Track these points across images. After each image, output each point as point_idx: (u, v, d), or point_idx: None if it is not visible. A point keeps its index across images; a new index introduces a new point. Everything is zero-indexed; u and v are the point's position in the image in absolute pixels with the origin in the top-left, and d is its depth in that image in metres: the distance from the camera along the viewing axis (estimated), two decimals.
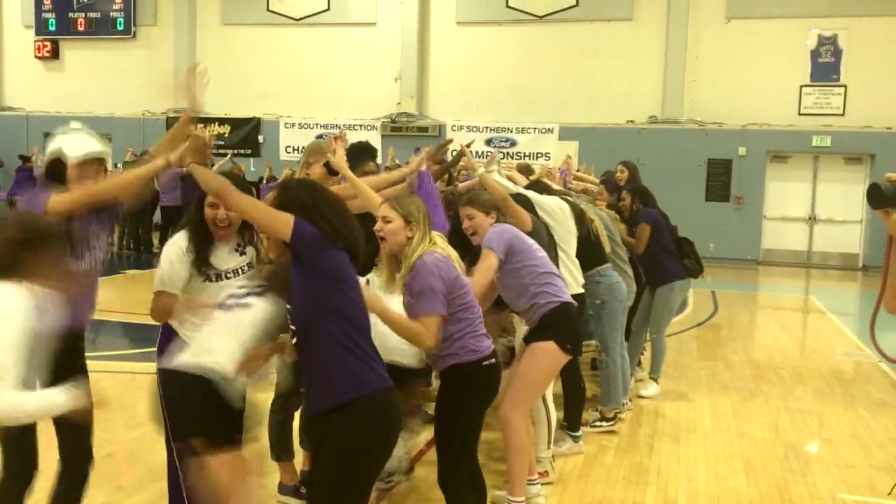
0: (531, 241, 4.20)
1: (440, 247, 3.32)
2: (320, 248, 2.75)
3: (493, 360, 3.43)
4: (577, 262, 5.07)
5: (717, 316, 10.83)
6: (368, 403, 2.75)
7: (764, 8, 16.66)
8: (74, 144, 3.27)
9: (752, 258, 16.99)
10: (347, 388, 2.75)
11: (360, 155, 4.80)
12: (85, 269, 3.20)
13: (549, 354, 4.05)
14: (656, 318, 6.56)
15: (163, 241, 15.44)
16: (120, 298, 10.71)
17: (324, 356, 2.77)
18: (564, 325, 4.08)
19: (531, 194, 4.98)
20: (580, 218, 5.26)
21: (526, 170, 7.52)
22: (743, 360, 8.29)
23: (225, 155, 18.27)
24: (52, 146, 3.30)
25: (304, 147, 17.12)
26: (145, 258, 14.82)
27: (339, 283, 2.78)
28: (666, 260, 6.54)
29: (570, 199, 5.44)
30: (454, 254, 3.39)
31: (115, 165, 16.18)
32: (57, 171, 3.22)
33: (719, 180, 17.16)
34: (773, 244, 17.33)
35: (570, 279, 4.91)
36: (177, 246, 3.30)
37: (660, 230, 6.57)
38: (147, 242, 15.52)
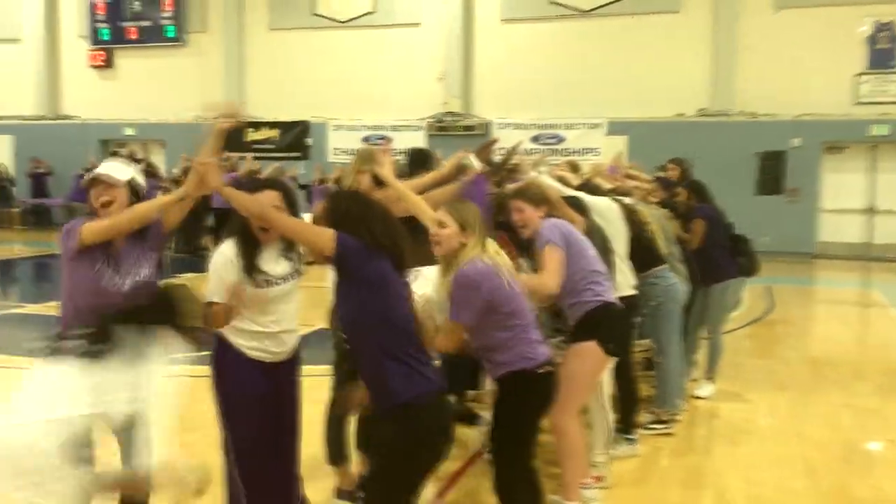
0: (583, 237, 4.19)
1: (489, 254, 3.32)
2: (362, 259, 2.85)
3: (548, 368, 3.43)
4: (629, 263, 5.03)
5: (773, 312, 10.63)
6: (414, 408, 2.84)
7: None
8: (109, 167, 3.34)
9: (808, 251, 16.62)
10: (393, 393, 2.85)
11: (419, 162, 4.83)
12: (131, 289, 3.26)
13: (591, 354, 4.03)
14: (712, 318, 6.47)
15: (216, 243, 15.65)
16: None
17: (371, 363, 2.89)
18: (606, 325, 4.06)
19: (582, 196, 4.95)
20: (632, 219, 5.21)
21: (572, 168, 7.48)
22: (800, 357, 8.13)
23: (275, 160, 18.59)
24: (125, 175, 3.37)
25: (352, 149, 17.34)
26: (198, 261, 15.09)
27: (382, 291, 2.87)
28: (720, 257, 6.44)
29: (621, 198, 5.38)
30: (505, 261, 3.38)
31: (171, 171, 16.64)
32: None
33: (772, 172, 16.80)
34: (830, 237, 16.93)
35: (622, 280, 4.88)
36: (223, 255, 3.36)
37: (715, 227, 6.47)
38: (199, 245, 15.80)
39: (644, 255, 5.33)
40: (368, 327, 2.87)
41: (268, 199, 3.28)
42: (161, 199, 3.30)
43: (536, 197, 4.17)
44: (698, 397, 6.39)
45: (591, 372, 4.09)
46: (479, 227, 3.33)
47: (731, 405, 6.32)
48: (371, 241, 2.87)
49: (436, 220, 3.35)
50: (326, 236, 2.86)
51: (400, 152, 19.38)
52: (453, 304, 3.25)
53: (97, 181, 3.24)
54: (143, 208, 3.22)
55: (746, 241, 6.63)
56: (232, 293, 3.26)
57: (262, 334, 3.41)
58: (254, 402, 3.41)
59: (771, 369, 7.54)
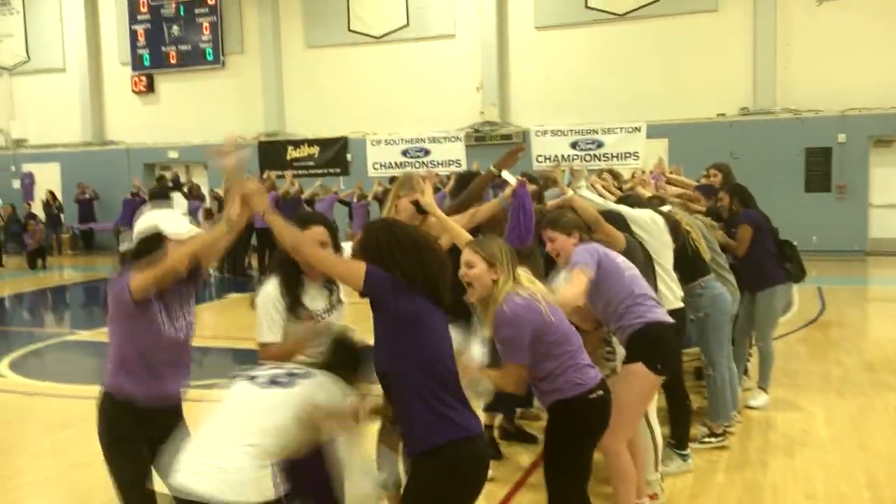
0: (621, 259, 4.11)
1: (524, 285, 3.24)
2: (392, 294, 2.75)
3: (600, 392, 3.35)
4: (674, 275, 4.93)
5: (826, 314, 10.38)
6: (441, 456, 2.72)
7: None
8: (173, 223, 3.27)
9: (860, 249, 16.23)
10: (421, 439, 2.76)
11: (467, 185, 4.80)
12: (182, 336, 3.27)
13: (639, 376, 3.96)
14: (760, 325, 6.32)
15: (260, 263, 15.93)
16: (225, 323, 11.03)
17: (403, 404, 2.80)
18: (653, 345, 3.97)
19: (623, 209, 4.87)
20: (675, 229, 5.11)
21: (614, 176, 7.39)
22: (857, 361, 7.89)
23: (315, 176, 18.78)
24: (147, 222, 3.26)
25: (391, 163, 17.40)
26: (243, 281, 15.27)
27: (412, 329, 2.76)
28: (767, 263, 6.29)
29: (664, 210, 5.29)
30: (541, 288, 3.31)
31: (212, 190, 16.87)
32: (151, 247, 3.17)
33: (819, 169, 16.46)
34: (882, 233, 16.51)
35: (668, 294, 4.79)
36: (268, 295, 3.34)
37: (761, 232, 6.32)
38: (244, 265, 15.97)
39: (688, 265, 5.23)
40: (396, 367, 2.77)
41: (315, 235, 3.26)
42: (207, 236, 3.19)
43: (568, 225, 4.08)
44: (752, 407, 6.24)
45: (639, 394, 4.01)
46: (508, 259, 3.24)
47: (786, 415, 6.15)
48: (403, 275, 2.78)
49: (463, 261, 3.27)
50: (357, 271, 2.78)
51: (438, 164, 19.53)
52: (502, 345, 3.19)
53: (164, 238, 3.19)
54: (191, 249, 3.12)
55: (793, 247, 6.46)
56: (297, 339, 3.27)
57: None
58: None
59: (826, 375, 7.34)
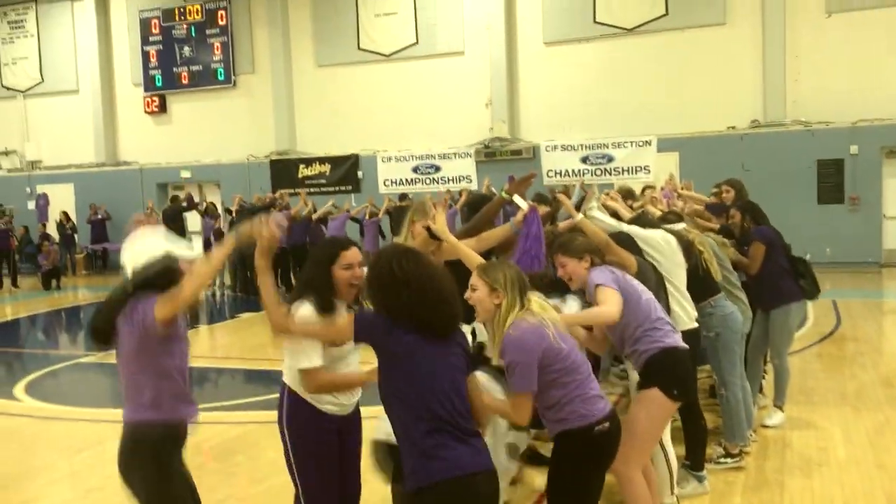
0: (635, 283, 4.09)
1: (533, 311, 3.21)
2: (384, 334, 2.85)
3: (606, 425, 3.30)
4: (687, 295, 4.91)
5: (841, 328, 10.30)
6: (430, 495, 2.75)
7: None
8: (182, 247, 3.33)
9: (874, 260, 16.13)
10: (409, 477, 2.82)
11: (479, 208, 4.81)
12: (188, 359, 3.37)
13: (655, 402, 3.94)
14: (775, 343, 6.27)
15: (275, 282, 15.84)
16: (238, 343, 11.04)
17: (397, 437, 2.91)
18: (669, 370, 3.95)
19: (634, 230, 4.86)
20: (688, 248, 5.09)
21: (627, 193, 7.37)
22: (874, 377, 7.82)
23: (327, 194, 18.86)
24: (156, 249, 3.27)
25: (402, 179, 17.45)
26: (256, 300, 15.30)
27: (403, 366, 2.82)
28: (780, 280, 6.24)
29: (677, 228, 5.27)
30: (552, 315, 3.29)
31: (228, 211, 16.96)
32: (168, 274, 3.21)
33: (831, 181, 16.38)
34: None
35: (682, 314, 4.77)
36: (304, 318, 3.33)
37: (774, 249, 6.28)
38: (255, 284, 15.96)
39: (699, 284, 5.19)
40: (386, 402, 2.87)
41: (356, 257, 3.39)
42: (214, 259, 3.25)
43: (578, 249, 4.05)
44: (768, 426, 6.19)
45: (655, 420, 3.98)
46: (512, 284, 3.21)
47: (803, 433, 6.10)
48: (399, 310, 2.84)
49: (469, 284, 3.29)
50: (346, 328, 2.95)
51: (448, 180, 19.52)
52: (510, 371, 3.15)
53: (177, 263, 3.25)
54: (206, 274, 3.18)
55: (806, 263, 6.42)
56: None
57: None
58: (326, 455, 3.43)
59: (843, 392, 7.28)
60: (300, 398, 3.40)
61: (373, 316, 2.88)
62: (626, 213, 5.62)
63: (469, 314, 3.31)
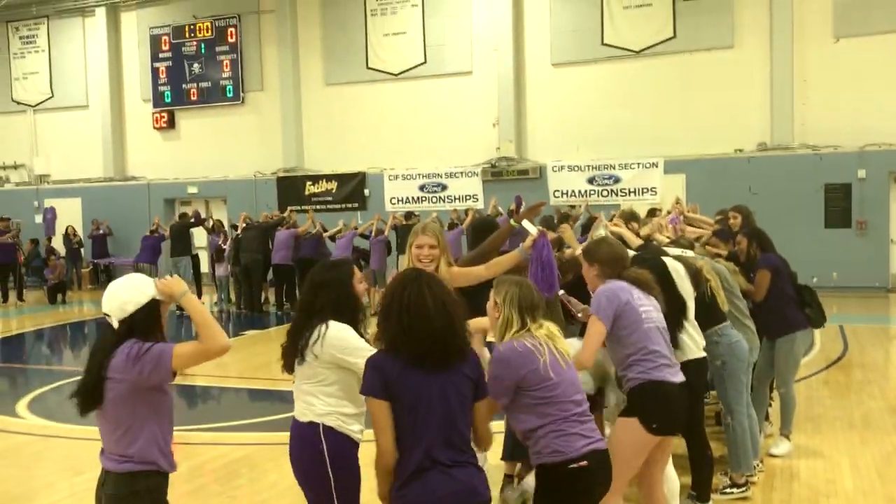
0: (644, 307, 4.05)
1: (537, 335, 3.25)
2: (381, 386, 2.95)
3: (584, 463, 3.20)
4: (696, 324, 4.86)
5: (848, 354, 10.23)
6: None
7: (874, 24, 15.95)
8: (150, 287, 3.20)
9: (881, 285, 16.05)
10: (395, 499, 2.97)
11: (485, 232, 4.82)
12: None
13: (632, 431, 3.90)
14: (781, 371, 6.22)
15: (278, 299, 15.96)
16: (242, 362, 10.97)
17: None
18: (652, 403, 3.92)
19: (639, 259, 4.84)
20: (696, 276, 5.06)
21: (630, 216, 7.35)
22: (882, 406, 7.74)
23: (334, 211, 18.89)
24: (139, 292, 3.15)
25: (408, 197, 17.43)
26: (261, 317, 15.29)
27: (392, 392, 2.94)
28: (786, 308, 6.20)
29: (687, 255, 5.24)
30: (559, 345, 3.29)
31: (234, 227, 16.98)
32: (151, 317, 3.16)
33: (838, 205, 16.34)
34: None
35: (690, 343, 4.73)
36: (342, 329, 3.40)
37: (780, 277, 6.24)
38: (261, 301, 15.98)
39: (704, 312, 5.14)
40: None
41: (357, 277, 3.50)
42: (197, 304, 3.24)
43: (591, 253, 4.20)
44: (775, 455, 6.13)
45: (631, 448, 3.91)
46: (512, 302, 3.29)
47: (810, 463, 6.03)
48: (391, 337, 2.96)
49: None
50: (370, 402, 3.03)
51: (455, 199, 19.51)
52: (488, 379, 3.21)
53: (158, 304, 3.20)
54: (211, 319, 3.16)
55: (812, 292, 6.38)
56: None
57: (360, 414, 3.46)
58: (358, 483, 3.45)
59: (851, 421, 7.20)
60: (339, 434, 3.39)
61: (371, 377, 2.99)
62: (634, 241, 5.60)
63: None
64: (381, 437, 2.95)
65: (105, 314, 3.13)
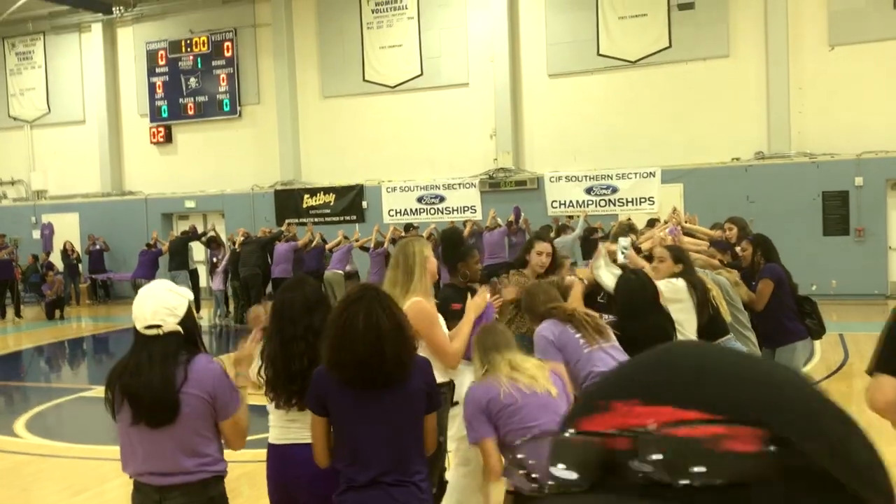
0: (576, 338, 4.03)
1: (498, 371, 3.38)
2: (316, 401, 3.06)
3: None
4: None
5: (849, 363, 10.20)
6: None
7: (869, 32, 15.97)
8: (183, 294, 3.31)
9: (880, 293, 16.03)
10: None
11: (456, 250, 4.76)
12: None
13: None
14: None
15: None
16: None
17: None
18: None
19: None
20: (695, 291, 5.05)
21: (629, 229, 7.34)
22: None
23: (331, 224, 18.86)
24: (179, 296, 3.18)
25: (406, 209, 17.40)
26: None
27: (334, 425, 3.06)
28: (786, 319, 6.18)
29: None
30: (527, 373, 3.39)
31: (232, 242, 16.92)
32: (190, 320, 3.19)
33: (836, 213, 16.35)
34: None
35: None
36: None
37: (782, 287, 6.23)
38: None
39: (708, 325, 5.15)
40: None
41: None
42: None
43: (527, 306, 4.35)
44: None
45: None
46: (476, 347, 3.52)
47: None
48: (327, 354, 3.01)
49: None
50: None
51: (453, 210, 19.47)
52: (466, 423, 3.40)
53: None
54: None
55: (812, 303, 6.37)
56: None
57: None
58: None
59: None
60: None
61: (312, 390, 3.09)
62: (640, 262, 5.58)
63: None
64: (314, 447, 3.10)
65: (150, 326, 3.03)
